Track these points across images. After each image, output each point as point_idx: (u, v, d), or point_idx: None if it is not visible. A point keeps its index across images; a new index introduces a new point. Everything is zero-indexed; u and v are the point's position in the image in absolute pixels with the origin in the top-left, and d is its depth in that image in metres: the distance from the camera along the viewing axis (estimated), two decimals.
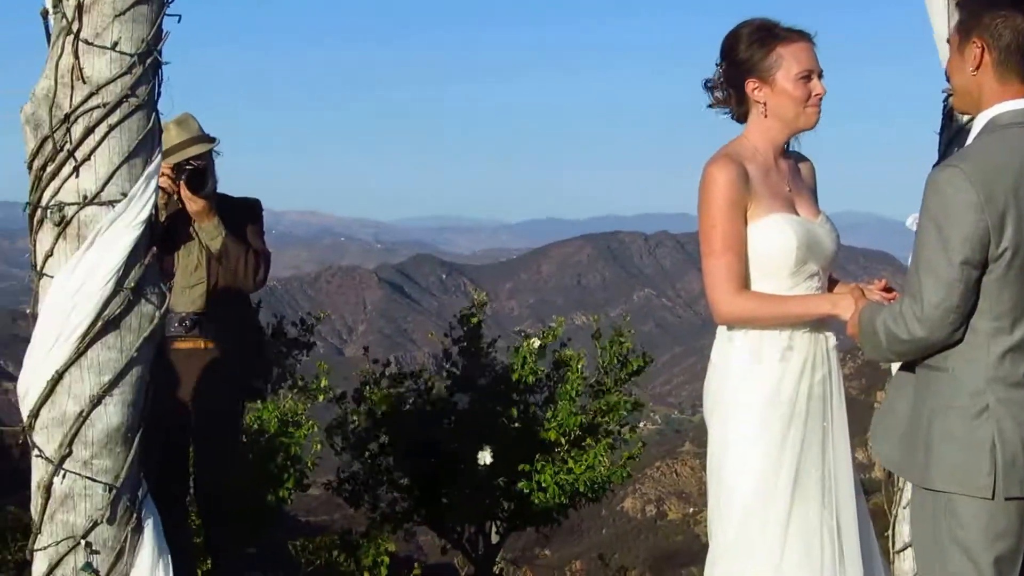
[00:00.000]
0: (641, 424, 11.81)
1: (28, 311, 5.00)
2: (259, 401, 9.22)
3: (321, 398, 10.53)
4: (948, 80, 4.73)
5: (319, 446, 10.53)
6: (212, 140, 6.94)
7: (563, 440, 10.80)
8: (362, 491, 10.92)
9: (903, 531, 6.93)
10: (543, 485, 10.65)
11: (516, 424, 10.77)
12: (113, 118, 4.73)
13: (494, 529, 11.32)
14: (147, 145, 4.82)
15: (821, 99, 5.14)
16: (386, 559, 10.16)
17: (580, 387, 11.05)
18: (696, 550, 26.86)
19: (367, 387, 10.88)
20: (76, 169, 4.73)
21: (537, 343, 11.05)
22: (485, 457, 10.29)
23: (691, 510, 51.93)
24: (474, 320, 11.14)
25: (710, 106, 5.29)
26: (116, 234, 4.72)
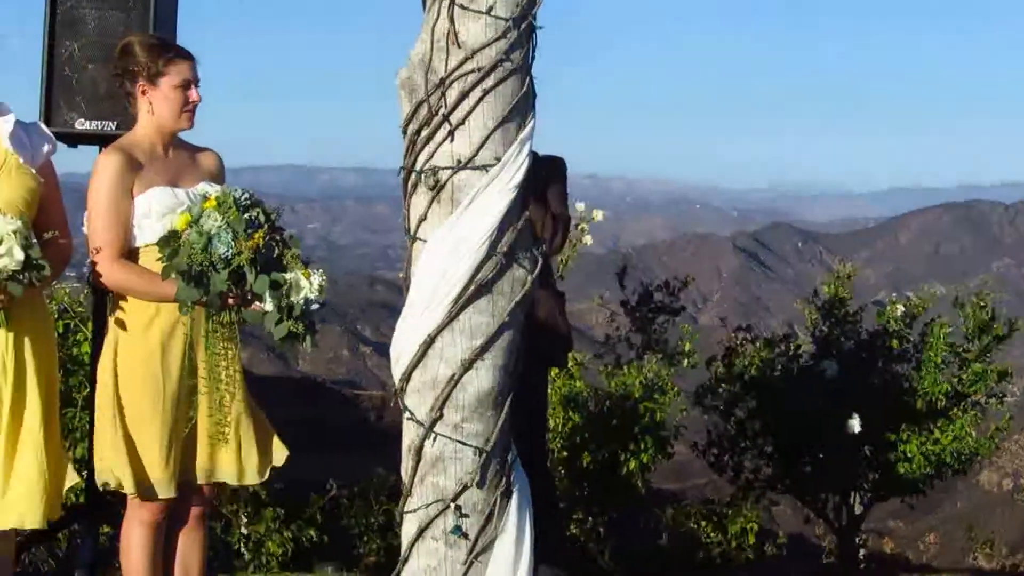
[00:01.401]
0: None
1: (401, 275, 5.07)
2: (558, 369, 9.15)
3: (686, 363, 10.46)
4: None
5: (683, 412, 10.47)
6: None
7: (928, 409, 10.52)
8: (727, 456, 10.84)
9: None
10: (908, 455, 10.40)
11: (882, 392, 10.51)
12: (487, 82, 4.74)
13: (857, 499, 11.09)
14: (521, 110, 4.82)
15: None
16: (754, 526, 10.06)
17: (944, 354, 10.74)
18: None
19: (733, 353, 10.79)
20: (451, 133, 4.76)
21: (901, 309, 10.80)
22: (854, 425, 10.07)
23: None
24: (843, 293, 10.96)
25: None
26: (490, 199, 4.73)
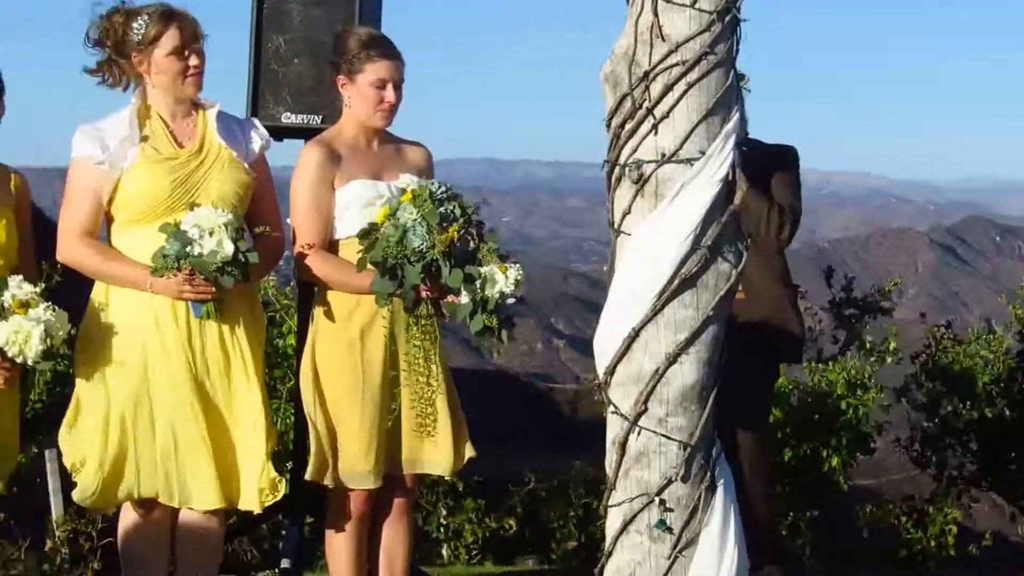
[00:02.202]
0: None
1: (604, 269, 5.06)
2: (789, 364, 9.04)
3: (890, 360, 10.30)
4: None
5: (888, 408, 10.30)
6: None
7: None
8: (930, 451, 10.65)
9: None
10: None
11: None
12: (692, 76, 4.71)
13: None
14: (725, 103, 4.78)
15: None
16: (953, 528, 9.87)
17: None
18: None
19: (937, 348, 10.60)
20: (655, 127, 4.74)
21: None
22: None
23: None
24: None
25: None
26: (694, 192, 4.70)
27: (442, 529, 9.48)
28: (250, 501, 5.52)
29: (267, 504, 5.54)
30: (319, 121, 6.27)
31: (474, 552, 9.51)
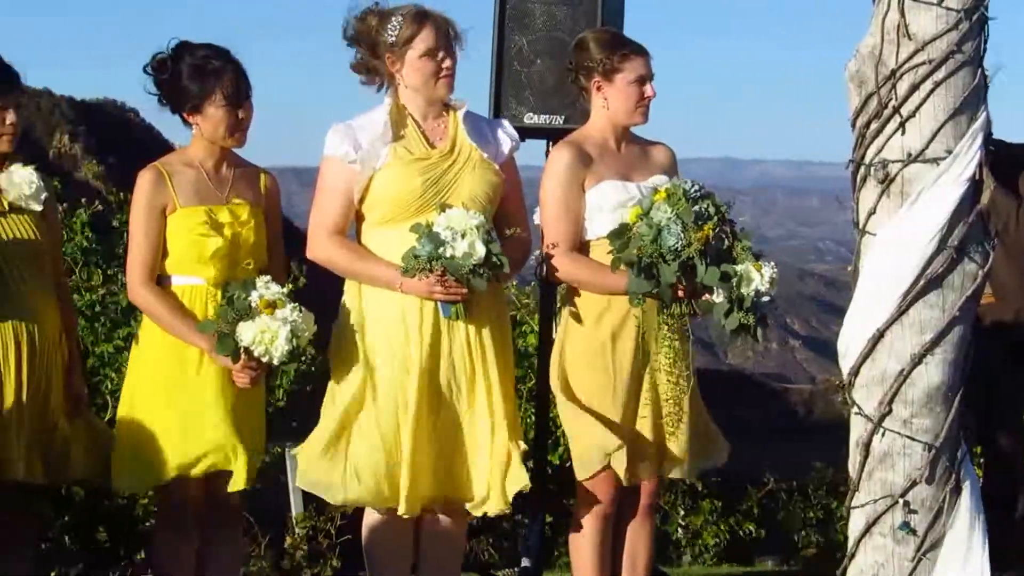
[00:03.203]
0: None
1: (849, 268, 5.03)
2: None
3: None
4: None
5: None
6: None
7: None
8: None
9: None
10: None
11: None
12: (939, 75, 4.67)
13: None
14: (972, 102, 4.72)
15: None
16: None
17: None
18: None
19: None
20: (901, 126, 4.71)
21: None
22: None
23: None
24: None
25: None
26: (941, 192, 4.66)
27: (680, 531, 9.49)
28: (495, 502, 5.56)
29: (506, 505, 5.59)
30: (561, 121, 6.31)
31: (712, 553, 9.50)
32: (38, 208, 5.56)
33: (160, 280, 5.55)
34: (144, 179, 5.55)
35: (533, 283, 8.36)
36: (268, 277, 5.40)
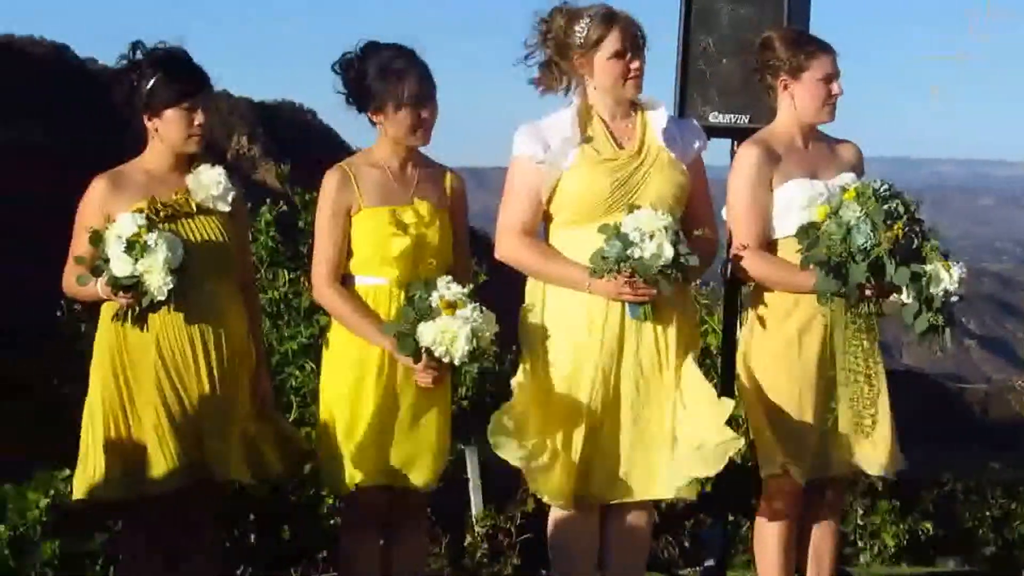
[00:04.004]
0: None
1: None
2: None
3: None
4: None
5: None
6: None
7: None
8: None
9: None
10: None
11: None
12: None
13: None
14: None
15: None
16: None
17: None
18: None
19: None
20: None
21: None
22: None
23: None
24: None
25: None
26: None
27: (858, 530, 9.38)
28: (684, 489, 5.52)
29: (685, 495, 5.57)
30: (747, 121, 6.29)
31: (890, 553, 9.38)
32: (226, 209, 5.62)
33: (344, 280, 5.59)
34: (330, 179, 5.60)
35: (712, 284, 8.31)
36: (449, 277, 5.41)
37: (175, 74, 5.53)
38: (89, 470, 5.51)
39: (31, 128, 58.96)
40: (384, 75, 5.53)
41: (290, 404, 7.96)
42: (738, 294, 6.19)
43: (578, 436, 5.50)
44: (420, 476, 5.57)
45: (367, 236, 5.54)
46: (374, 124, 5.65)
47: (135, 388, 5.47)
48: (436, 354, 5.30)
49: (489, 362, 7.87)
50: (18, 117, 57.99)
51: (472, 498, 8.09)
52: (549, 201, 5.56)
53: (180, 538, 5.60)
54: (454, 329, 5.27)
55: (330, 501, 7.56)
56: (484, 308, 5.38)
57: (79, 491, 5.58)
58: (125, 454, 5.45)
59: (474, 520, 8.04)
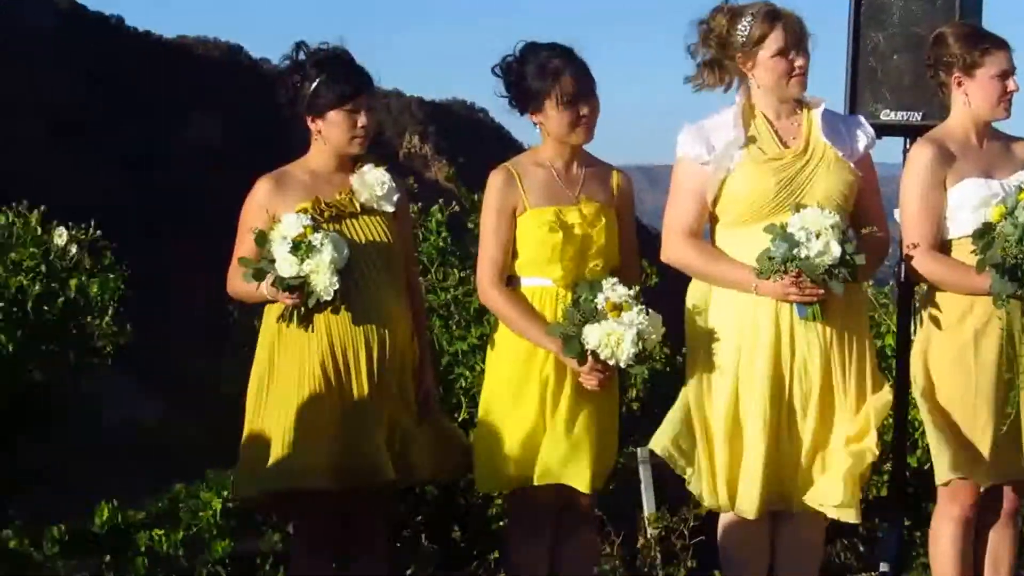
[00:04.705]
0: None
1: None
2: None
3: None
4: None
5: None
6: None
7: None
8: None
9: None
10: None
11: None
12: None
13: None
14: None
15: None
16: None
17: None
18: None
19: None
20: None
21: None
22: None
23: None
24: None
25: None
26: None
27: None
28: (848, 511, 5.46)
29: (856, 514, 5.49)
30: (919, 118, 6.18)
31: None
32: (390, 209, 5.62)
33: (509, 281, 5.58)
34: (495, 180, 5.59)
35: (891, 283, 8.16)
36: (615, 279, 5.37)
37: (337, 76, 5.54)
38: (244, 468, 5.59)
39: (209, 126, 59.94)
40: (541, 74, 5.50)
41: (459, 404, 7.98)
42: (912, 295, 6.06)
43: (749, 442, 5.44)
44: (580, 479, 5.49)
45: (532, 237, 5.51)
46: (536, 125, 5.63)
47: (292, 387, 5.48)
48: (602, 356, 5.26)
49: (659, 363, 7.81)
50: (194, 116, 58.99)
51: (644, 499, 8.05)
52: (714, 202, 5.50)
53: (349, 539, 5.63)
54: (620, 331, 5.22)
55: (499, 502, 7.56)
56: (650, 310, 5.33)
57: (234, 490, 5.75)
58: (277, 451, 5.46)
59: (646, 521, 8.00)
